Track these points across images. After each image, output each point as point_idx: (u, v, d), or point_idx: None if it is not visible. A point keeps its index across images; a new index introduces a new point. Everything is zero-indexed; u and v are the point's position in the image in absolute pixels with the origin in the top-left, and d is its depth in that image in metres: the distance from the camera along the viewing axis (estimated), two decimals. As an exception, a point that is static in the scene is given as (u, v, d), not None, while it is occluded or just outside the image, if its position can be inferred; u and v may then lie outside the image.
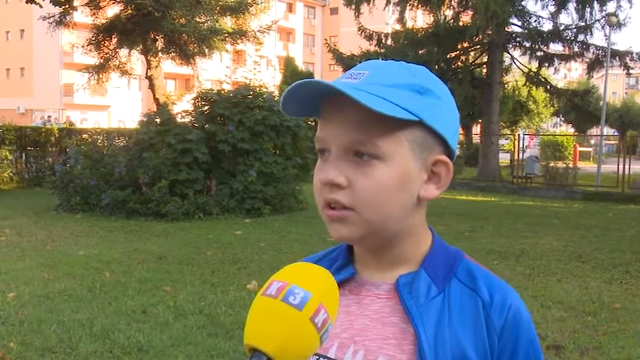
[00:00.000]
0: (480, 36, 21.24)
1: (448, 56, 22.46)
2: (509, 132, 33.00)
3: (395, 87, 0.89)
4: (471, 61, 23.60)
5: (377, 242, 0.96)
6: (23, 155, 16.70)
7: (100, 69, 20.16)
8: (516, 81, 27.02)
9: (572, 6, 21.40)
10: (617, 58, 21.73)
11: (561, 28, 21.77)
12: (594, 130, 37.46)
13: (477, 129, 32.53)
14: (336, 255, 1.04)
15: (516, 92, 27.60)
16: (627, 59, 21.62)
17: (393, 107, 0.87)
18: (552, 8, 21.74)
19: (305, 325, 0.76)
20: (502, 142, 28.77)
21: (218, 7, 19.10)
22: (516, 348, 0.93)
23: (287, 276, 0.80)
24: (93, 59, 20.42)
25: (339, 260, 1.03)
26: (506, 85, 25.43)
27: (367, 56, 21.67)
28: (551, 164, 18.98)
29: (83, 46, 20.17)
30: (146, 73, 19.16)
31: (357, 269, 1.01)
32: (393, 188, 0.90)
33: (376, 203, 0.90)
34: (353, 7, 22.27)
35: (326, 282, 0.81)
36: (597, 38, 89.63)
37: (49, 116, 38.66)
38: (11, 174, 16.07)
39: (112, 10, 19.53)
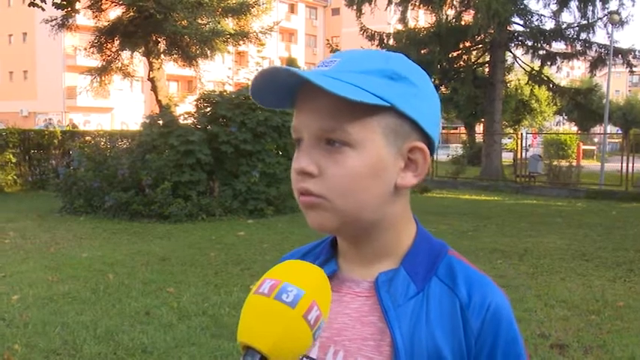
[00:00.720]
0: (482, 35, 21.22)
1: (450, 56, 22.44)
2: (512, 131, 32.95)
3: (365, 73, 0.88)
4: (473, 61, 23.58)
5: (355, 232, 0.93)
6: (27, 158, 16.71)
7: (103, 71, 20.20)
8: (519, 80, 26.96)
9: (574, 4, 21.38)
10: (619, 56, 21.69)
11: (563, 26, 21.74)
12: (597, 129, 37.37)
13: (479, 128, 32.53)
14: (321, 250, 1.03)
15: (519, 91, 27.53)
16: (630, 57, 21.57)
17: (362, 92, 0.85)
18: (554, 7, 21.73)
19: (298, 322, 0.76)
20: (505, 141, 28.73)
21: (220, 9, 19.11)
22: (494, 350, 0.90)
23: (279, 274, 0.80)
24: (95, 62, 20.46)
25: (323, 255, 1.01)
26: (508, 84, 25.39)
27: (369, 56, 21.61)
28: (555, 163, 18.94)
29: (86, 49, 20.20)
30: (148, 75, 19.18)
31: (339, 264, 0.99)
32: (364, 176, 0.88)
33: (347, 191, 0.88)
34: (355, 7, 22.27)
35: (318, 279, 0.81)
36: (600, 36, 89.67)
37: (50, 119, 38.76)
38: (15, 177, 16.09)
39: (114, 13, 19.57)
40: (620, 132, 45.91)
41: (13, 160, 16.09)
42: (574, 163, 20.19)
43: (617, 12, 20.65)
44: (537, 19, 21.73)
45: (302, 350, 0.79)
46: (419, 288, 0.92)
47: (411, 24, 22.74)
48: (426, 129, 0.92)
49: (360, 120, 0.88)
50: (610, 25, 20.73)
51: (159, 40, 19.01)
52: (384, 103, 0.87)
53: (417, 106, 0.91)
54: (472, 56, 23.73)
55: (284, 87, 0.91)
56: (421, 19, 26.48)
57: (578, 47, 22.02)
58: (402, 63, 0.92)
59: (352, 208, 0.89)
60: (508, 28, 21.38)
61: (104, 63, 20.03)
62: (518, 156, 20.05)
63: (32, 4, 13.98)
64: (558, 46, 23.58)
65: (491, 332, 0.90)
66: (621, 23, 20.73)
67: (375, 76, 0.88)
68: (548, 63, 23.06)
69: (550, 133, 38.71)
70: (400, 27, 22.95)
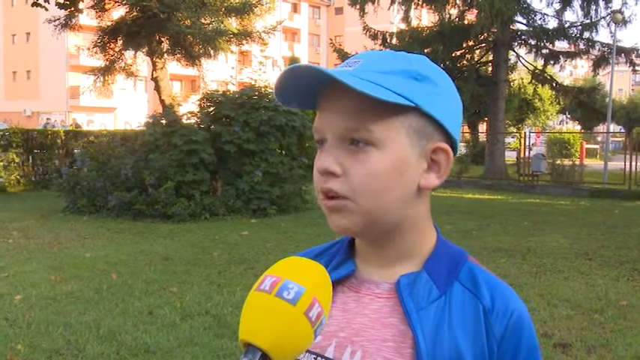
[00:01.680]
0: (485, 34, 21.22)
1: (453, 55, 22.44)
2: (515, 130, 32.91)
3: (390, 73, 0.88)
4: (476, 60, 23.57)
5: (378, 234, 0.94)
6: (30, 158, 16.74)
7: (106, 71, 20.22)
8: (522, 79, 26.93)
9: (577, 3, 21.39)
10: (622, 54, 21.67)
11: (566, 25, 21.72)
12: (601, 128, 37.34)
13: (483, 127, 32.46)
14: (337, 250, 1.03)
15: (522, 90, 27.49)
16: (633, 56, 21.56)
17: (386, 92, 0.85)
18: (557, 6, 21.73)
19: (299, 319, 0.76)
20: (508, 140, 28.69)
21: (223, 9, 19.12)
22: (516, 356, 0.91)
23: (280, 271, 0.79)
24: (99, 61, 20.48)
25: (339, 256, 1.01)
26: (511, 83, 25.35)
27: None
28: (558, 162, 18.91)
29: (89, 49, 20.22)
30: (152, 75, 19.20)
31: (357, 265, 0.99)
32: (388, 175, 0.88)
33: (372, 191, 0.88)
34: (358, 6, 22.26)
35: (319, 276, 0.80)
36: (603, 35, 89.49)
37: (49, 119, 38.80)
38: (18, 177, 16.12)
39: (118, 13, 19.58)
40: (623, 131, 45.82)
41: (17, 159, 16.12)
42: (577, 162, 20.17)
43: (620, 11, 20.63)
44: (540, 18, 21.76)
45: (303, 348, 0.79)
46: (441, 291, 0.92)
47: (414, 23, 22.76)
48: (449, 129, 0.92)
49: (384, 120, 0.88)
50: (613, 24, 20.70)
51: (162, 39, 19.02)
52: (408, 103, 0.87)
53: (440, 106, 0.91)
54: (475, 55, 23.73)
55: (308, 87, 0.91)
56: (424, 18, 26.49)
57: (582, 46, 22.02)
58: (425, 64, 0.92)
59: (376, 209, 0.89)
60: (511, 27, 21.36)
61: (107, 63, 20.04)
62: (522, 155, 20.03)
63: (35, 4, 14.01)
64: (561, 45, 23.58)
65: (514, 339, 0.91)
66: (624, 22, 20.71)
67: (400, 77, 0.88)
68: (552, 62, 23.06)
69: (553, 132, 38.64)
70: (403, 26, 22.96)
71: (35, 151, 16.83)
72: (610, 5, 21.05)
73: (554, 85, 23.63)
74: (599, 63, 22.22)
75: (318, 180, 0.91)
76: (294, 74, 0.88)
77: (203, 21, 18.72)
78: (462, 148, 28.22)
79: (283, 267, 0.81)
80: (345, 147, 0.89)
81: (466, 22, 21.79)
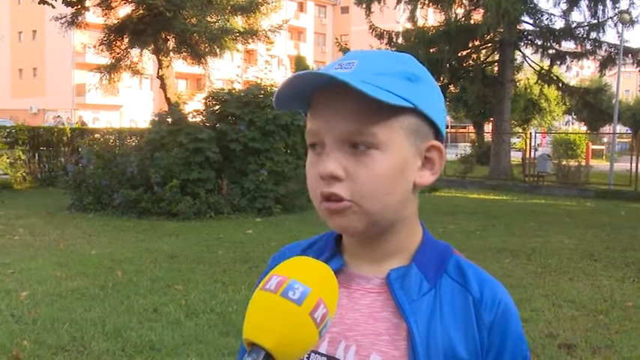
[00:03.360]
0: (492, 34, 21.14)
1: (459, 54, 22.38)
2: (520, 130, 32.83)
3: (388, 75, 0.89)
4: (482, 60, 23.51)
5: (375, 233, 0.94)
6: (36, 155, 16.79)
7: (112, 69, 20.26)
8: (528, 79, 26.86)
9: (584, 3, 21.29)
10: (629, 55, 21.57)
11: (573, 25, 21.64)
12: (607, 128, 37.21)
13: (488, 127, 32.42)
14: (324, 245, 1.03)
15: (528, 90, 27.42)
16: (640, 56, 21.47)
17: (389, 95, 0.86)
18: (564, 6, 21.64)
19: (304, 320, 0.76)
20: (514, 140, 28.63)
21: (229, 7, 19.13)
22: (504, 343, 0.93)
23: (286, 270, 0.79)
24: (105, 59, 20.52)
25: (327, 251, 1.01)
26: (517, 84, 25.29)
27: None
28: (564, 162, 18.87)
29: (95, 47, 20.27)
30: (157, 73, 19.23)
31: (345, 261, 0.99)
32: (392, 177, 0.90)
33: (377, 194, 0.89)
34: (364, 5, 22.22)
35: (325, 276, 0.81)
36: (610, 36, 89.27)
37: (59, 116, 38.88)
38: (24, 174, 16.17)
39: (124, 11, 19.61)
40: (629, 132, 45.68)
41: (23, 157, 16.18)
42: (583, 163, 20.12)
43: (627, 11, 20.56)
44: (547, 18, 21.66)
45: (307, 348, 0.79)
46: (431, 284, 0.94)
47: (420, 23, 22.70)
48: (440, 128, 0.95)
49: (384, 122, 0.89)
50: (620, 24, 20.63)
51: (168, 37, 19.04)
52: (408, 105, 0.89)
53: (432, 105, 0.93)
54: (481, 55, 23.67)
55: (306, 90, 0.91)
56: (430, 17, 26.45)
57: (588, 46, 21.92)
58: (415, 64, 0.95)
59: (379, 210, 0.90)
60: (518, 27, 21.29)
61: (113, 61, 20.08)
62: (527, 155, 19.99)
63: (42, 2, 14.06)
64: (568, 46, 23.49)
65: (502, 327, 0.93)
66: (632, 22, 20.62)
67: (397, 78, 0.89)
68: (558, 62, 22.98)
69: (559, 133, 38.56)
70: (409, 25, 22.91)
71: (41, 148, 16.89)
72: (617, 5, 20.97)
73: (560, 85, 23.56)
74: (606, 64, 22.14)
75: (318, 184, 0.91)
76: (298, 80, 0.88)
77: (209, 19, 18.74)
78: (467, 148, 28.22)
79: (290, 267, 0.81)
80: (346, 150, 0.89)
81: (472, 21, 21.75)
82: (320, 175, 0.90)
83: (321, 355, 0.94)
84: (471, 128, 38.59)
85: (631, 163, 16.43)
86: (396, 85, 0.88)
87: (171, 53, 19.33)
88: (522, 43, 22.54)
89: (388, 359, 0.90)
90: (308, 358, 0.94)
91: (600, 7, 20.96)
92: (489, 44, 22.70)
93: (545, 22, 21.62)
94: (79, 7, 15.52)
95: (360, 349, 0.92)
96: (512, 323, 0.94)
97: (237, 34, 19.66)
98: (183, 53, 19.84)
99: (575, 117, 39.98)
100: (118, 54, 19.96)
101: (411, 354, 0.89)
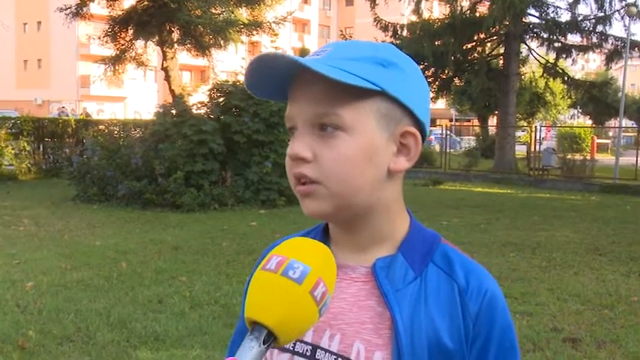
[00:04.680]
0: (497, 27, 21.07)
1: (464, 47, 22.32)
2: (525, 124, 32.75)
3: (356, 60, 0.89)
4: (487, 53, 23.44)
5: (349, 218, 0.95)
6: (41, 146, 16.84)
7: (116, 60, 20.22)
8: (533, 72, 26.79)
9: (590, -4, 21.18)
10: (636, 48, 21.49)
11: (579, 18, 21.55)
12: (612, 122, 37.09)
13: (493, 121, 32.33)
14: (313, 236, 1.03)
15: (533, 84, 27.35)
16: (647, 50, 21.37)
17: (353, 77, 0.87)
18: (571, -1, 21.53)
19: (305, 298, 0.77)
20: (519, 133, 28.56)
21: (234, -1, 19.06)
22: (491, 333, 0.93)
23: (286, 250, 0.81)
24: (109, 51, 20.48)
25: None
26: (523, 77, 25.22)
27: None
28: (569, 156, 18.82)
29: (99, 38, 20.23)
30: (162, 65, 19.20)
31: (333, 251, 0.97)
32: (357, 159, 0.90)
33: (342, 175, 0.89)
34: (369, -3, 22.15)
35: (324, 256, 0.82)
36: (616, 29, 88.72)
37: (64, 107, 38.88)
38: (29, 165, 16.22)
39: (128, 2, 19.56)
40: (635, 126, 45.52)
41: (28, 148, 16.22)
42: (588, 157, 20.06)
43: (634, 4, 20.44)
44: (553, 11, 21.57)
45: (308, 326, 0.80)
46: (417, 273, 0.94)
47: (425, 15, 22.60)
48: (416, 113, 0.94)
49: (352, 104, 0.89)
50: (627, 17, 20.51)
51: (172, 29, 18.99)
52: (375, 88, 0.89)
53: (407, 91, 0.93)
54: (486, 48, 23.59)
55: (279, 77, 0.93)
56: (435, 10, 26.32)
57: (594, 40, 21.82)
58: (391, 51, 0.94)
59: (346, 193, 0.91)
60: (523, 19, 21.21)
61: (118, 52, 20.04)
62: (532, 149, 19.94)
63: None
64: (574, 39, 23.40)
65: (489, 317, 0.93)
66: (639, 15, 20.49)
67: (366, 63, 0.90)
68: (564, 55, 22.88)
69: (564, 127, 38.43)
70: (414, 18, 22.83)
71: (46, 139, 16.93)
72: (624, -2, 20.87)
73: (565, 78, 23.48)
74: (612, 57, 22.04)
75: (290, 165, 0.93)
76: (263, 63, 0.90)
77: (213, 11, 18.68)
78: (471, 142, 28.18)
79: (289, 247, 0.82)
80: (316, 133, 0.91)
81: (478, 14, 21.64)
82: (289, 156, 0.92)
83: (307, 344, 0.95)
84: (476, 121, 38.52)
85: (637, 157, 16.39)
86: (364, 69, 0.89)
87: (175, 45, 19.28)
88: (528, 36, 22.45)
89: (371, 347, 0.91)
90: (294, 346, 0.95)
91: (607, 0, 20.85)
92: (495, 37, 22.61)
93: (551, 15, 21.53)
94: (84, -2, 15.50)
95: (344, 338, 0.93)
96: (499, 312, 0.94)
97: (242, 26, 19.59)
98: (188, 45, 19.79)
99: (580, 111, 39.84)
100: (123, 45, 19.92)
101: (395, 343, 0.90)
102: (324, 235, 1.03)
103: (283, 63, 0.88)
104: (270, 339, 0.77)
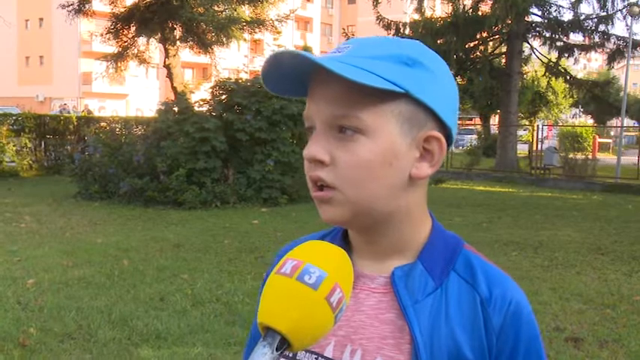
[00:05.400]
0: (500, 26, 21.04)
1: (467, 46, 22.28)
2: (527, 123, 32.72)
3: (378, 58, 0.85)
4: (489, 51, 23.41)
5: (368, 225, 0.90)
6: (42, 143, 16.82)
7: (119, 57, 20.22)
8: (535, 71, 26.75)
9: (593, -5, 21.15)
10: (638, 48, 21.46)
11: (582, 17, 21.52)
12: (614, 122, 37.05)
13: (495, 119, 32.31)
14: (329, 240, 0.98)
15: (535, 83, 27.33)
16: (649, 50, 21.34)
17: (374, 78, 0.82)
18: (573, -2, 21.50)
19: (320, 304, 0.74)
20: (520, 132, 28.54)
21: (236, -4, 19.06)
22: (516, 347, 0.88)
23: (302, 254, 0.78)
24: (111, 48, 20.49)
25: None
26: (525, 76, 25.19)
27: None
28: (570, 155, 18.79)
29: (102, 35, 20.23)
30: (164, 62, 19.20)
31: (351, 259, 0.94)
32: (376, 164, 0.85)
33: (359, 180, 0.85)
34: (371, -4, 22.13)
35: (341, 260, 0.79)
36: (618, 28, 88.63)
37: (65, 104, 38.90)
38: (31, 162, 16.21)
39: (131, -1, 19.57)
40: (637, 125, 45.46)
41: (29, 144, 16.21)
42: (590, 156, 20.03)
43: (636, 3, 20.42)
44: (555, 10, 21.56)
45: (323, 333, 0.77)
46: (437, 283, 0.89)
47: (428, 13, 22.58)
48: (442, 117, 0.88)
49: (372, 107, 0.85)
50: (629, 16, 20.48)
51: (175, 26, 18.99)
52: (397, 89, 0.84)
53: (432, 93, 0.87)
54: (489, 47, 23.57)
55: (296, 73, 0.88)
56: (438, 8, 26.31)
57: (597, 39, 21.80)
58: (416, 48, 0.89)
59: (364, 199, 0.86)
60: (526, 18, 21.18)
61: (120, 49, 20.05)
62: (534, 148, 19.91)
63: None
64: (576, 38, 23.38)
65: (513, 329, 0.88)
66: (641, 15, 20.47)
67: (389, 62, 0.85)
68: (566, 55, 22.88)
69: (566, 126, 38.39)
70: (417, 16, 22.81)
71: (48, 136, 16.92)
72: (627, -3, 20.84)
73: (567, 78, 23.46)
74: (614, 56, 22.01)
75: (307, 167, 0.88)
76: (279, 61, 0.85)
77: (216, 8, 18.69)
78: (473, 140, 28.16)
79: (305, 250, 0.79)
80: (334, 135, 0.86)
81: (480, 13, 21.62)
82: (305, 157, 0.88)
83: (327, 359, 0.91)
84: (478, 120, 38.48)
85: (639, 157, 16.38)
86: (387, 69, 0.84)
87: (178, 42, 19.29)
88: (530, 35, 22.43)
89: None
90: None
91: (609, 0, 20.82)
92: (497, 36, 22.59)
93: (554, 14, 21.52)
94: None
95: (366, 354, 0.89)
96: (524, 324, 0.89)
97: (244, 24, 19.58)
98: (190, 42, 19.79)
99: (582, 110, 39.82)
100: (125, 42, 19.92)
101: (414, 357, 0.85)
102: (342, 239, 0.98)
103: (300, 61, 0.84)
104: (284, 345, 0.74)
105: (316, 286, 0.74)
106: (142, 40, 20.16)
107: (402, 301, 0.88)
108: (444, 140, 0.89)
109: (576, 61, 23.89)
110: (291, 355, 0.93)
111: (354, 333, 0.90)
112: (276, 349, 0.73)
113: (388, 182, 0.87)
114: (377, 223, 0.90)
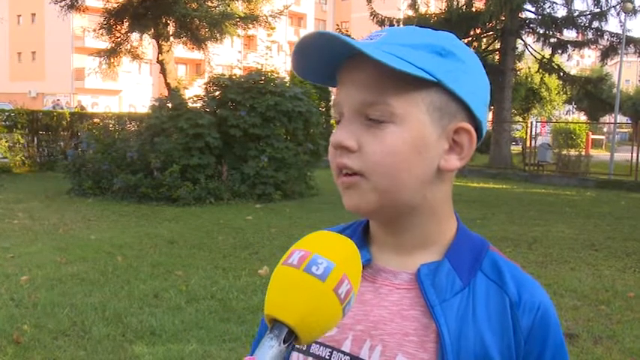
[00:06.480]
0: (493, 22, 21.07)
1: (461, 42, 22.29)
2: (521, 119, 32.76)
3: (413, 47, 0.83)
4: (483, 48, 23.42)
5: (392, 216, 0.89)
6: (35, 139, 16.75)
7: (112, 53, 20.11)
8: (529, 68, 26.78)
9: (587, -8, 21.21)
10: (631, 45, 21.53)
11: (575, 14, 21.58)
12: (607, 118, 37.19)
13: (489, 116, 32.34)
14: (350, 234, 0.95)
15: (529, 79, 27.35)
16: (642, 46, 21.41)
17: (407, 64, 0.81)
18: (567, -6, 21.55)
19: (328, 296, 0.72)
20: (515, 128, 28.58)
21: (230, -8, 18.99)
22: (543, 351, 0.87)
23: (309, 245, 0.76)
24: (104, 43, 20.37)
25: (354, 242, 0.96)
26: (518, 72, 25.22)
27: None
28: (564, 152, 18.86)
29: (94, 30, 20.11)
30: (157, 58, 19.11)
31: (372, 253, 0.94)
32: (405, 153, 0.83)
33: (386, 169, 0.83)
34: (365, -8, 22.12)
35: (349, 251, 0.77)
36: (612, 25, 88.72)
37: (58, 100, 38.75)
38: (23, 158, 16.13)
39: (124, -6, 19.46)
40: (629, 122, 45.60)
41: (22, 140, 16.14)
42: (583, 153, 20.10)
43: (630, 0, 20.46)
44: (549, 7, 21.63)
45: (331, 325, 0.75)
46: (464, 283, 0.87)
47: (422, 10, 22.59)
48: (473, 109, 0.87)
49: (404, 94, 0.83)
50: (623, 13, 20.54)
51: (168, 22, 18.90)
52: (430, 78, 0.83)
53: (465, 84, 0.86)
54: (482, 43, 23.59)
55: (327, 60, 0.86)
56: (432, 4, 26.30)
57: (590, 36, 21.88)
58: (450, 39, 0.88)
59: (391, 188, 0.85)
60: (520, 15, 21.21)
61: (113, 45, 19.93)
62: (528, 144, 19.96)
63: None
64: (570, 35, 23.42)
65: (541, 333, 0.87)
66: (634, 12, 20.55)
67: (423, 51, 0.84)
68: (559, 51, 22.94)
69: (559, 122, 38.47)
70: (411, 13, 22.81)
71: (40, 132, 16.84)
72: (620, -6, 20.90)
73: (561, 74, 23.53)
74: (608, 53, 22.10)
75: (333, 154, 0.87)
76: (311, 43, 0.84)
77: (210, 4, 18.61)
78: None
79: (312, 241, 0.77)
80: (362, 122, 0.84)
81: (474, 9, 21.65)
82: (331, 143, 0.86)
83: (345, 353, 0.89)
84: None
85: (632, 153, 16.41)
86: (420, 58, 0.83)
87: (171, 38, 19.19)
88: (524, 32, 22.48)
89: None
90: (330, 355, 0.89)
91: (603, -4, 20.88)
92: (491, 32, 22.63)
93: (548, 11, 21.58)
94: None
95: (386, 350, 0.86)
96: (552, 329, 0.88)
97: (238, 20, 19.50)
98: (184, 38, 19.70)
99: (575, 106, 39.91)
100: (118, 38, 19.81)
101: (440, 356, 0.84)
102: (363, 234, 0.96)
103: (333, 44, 0.82)
104: (291, 338, 0.73)
105: (324, 277, 0.72)
106: (135, 36, 20.05)
107: (428, 299, 0.86)
108: (474, 133, 0.88)
109: (570, 57, 23.98)
110: (304, 348, 0.91)
111: (374, 328, 0.88)
112: (284, 342, 0.72)
113: (416, 172, 0.85)
114: (401, 215, 0.89)
